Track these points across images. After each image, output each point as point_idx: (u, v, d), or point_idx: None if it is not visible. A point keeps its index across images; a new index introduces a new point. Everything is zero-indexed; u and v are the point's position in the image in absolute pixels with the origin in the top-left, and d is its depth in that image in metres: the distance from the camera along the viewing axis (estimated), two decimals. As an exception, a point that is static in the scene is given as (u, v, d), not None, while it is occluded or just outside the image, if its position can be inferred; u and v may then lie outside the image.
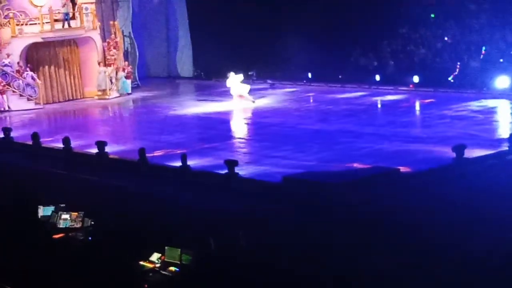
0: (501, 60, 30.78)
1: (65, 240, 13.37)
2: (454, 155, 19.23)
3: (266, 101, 31.83)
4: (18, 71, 33.59)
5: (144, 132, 27.69)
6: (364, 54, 35.41)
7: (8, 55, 33.63)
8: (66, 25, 34.54)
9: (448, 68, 31.99)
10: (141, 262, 12.01)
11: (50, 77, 34.94)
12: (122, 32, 37.71)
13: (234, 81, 31.38)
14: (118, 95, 35.52)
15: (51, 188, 19.00)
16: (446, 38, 33.49)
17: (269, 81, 35.87)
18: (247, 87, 31.34)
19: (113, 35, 36.65)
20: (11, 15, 34.00)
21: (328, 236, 14.38)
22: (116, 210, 16.29)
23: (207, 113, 30.34)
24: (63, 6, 34.58)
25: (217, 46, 36.88)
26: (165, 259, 12.11)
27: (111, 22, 37.32)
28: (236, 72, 31.59)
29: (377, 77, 33.45)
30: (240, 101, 31.01)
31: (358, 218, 15.42)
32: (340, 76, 34.77)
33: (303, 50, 34.19)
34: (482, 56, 31.39)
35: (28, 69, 33.81)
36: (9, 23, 33.92)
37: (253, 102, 30.99)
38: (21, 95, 33.42)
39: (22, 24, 34.12)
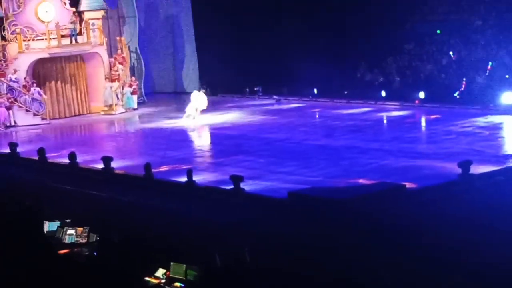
0: (507, 76, 30.78)
1: (70, 255, 13.36)
2: (460, 171, 19.22)
3: (272, 117, 31.88)
4: (24, 86, 33.70)
5: (150, 148, 27.73)
6: (370, 70, 35.46)
7: (15, 71, 33.75)
8: (73, 41, 34.69)
9: (454, 84, 32.01)
10: (146, 278, 11.99)
11: (56, 92, 35.04)
12: (129, 47, 37.85)
13: (198, 98, 31.75)
14: (124, 110, 35.59)
15: (56, 203, 19.00)
16: (451, 54, 33.51)
17: (275, 97, 35.93)
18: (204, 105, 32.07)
19: (119, 51, 36.77)
20: (18, 30, 34.18)
21: (334, 252, 14.34)
22: (121, 225, 16.28)
23: (212, 129, 30.39)
24: (71, 22, 34.74)
25: (223, 62, 36.96)
26: (170, 275, 12.11)
27: (118, 38, 37.46)
28: (200, 89, 32.76)
29: (383, 93, 33.47)
30: (196, 117, 31.58)
31: (363, 234, 15.38)
32: (346, 92, 34.80)
33: (309, 66, 34.24)
34: (488, 71, 31.40)
35: (34, 84, 33.92)
36: (16, 39, 34.08)
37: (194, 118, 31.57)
38: (27, 110, 33.51)
39: (29, 40, 34.27)
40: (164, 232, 16.15)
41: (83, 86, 35.88)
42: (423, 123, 29.38)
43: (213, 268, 11.83)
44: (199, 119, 31.55)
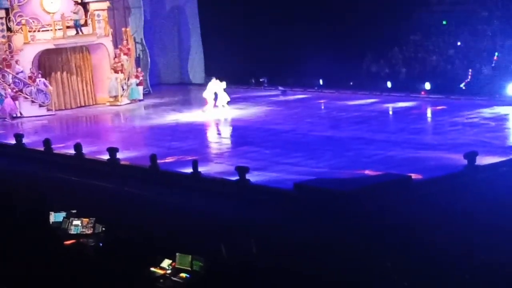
0: (513, 67, 30.75)
1: (76, 246, 13.39)
2: (465, 162, 19.18)
3: (277, 108, 31.86)
4: (30, 78, 33.71)
5: (156, 139, 27.72)
6: (376, 61, 35.41)
7: (21, 62, 33.74)
8: (78, 32, 34.67)
9: (460, 75, 31.95)
10: (152, 269, 12.01)
11: (62, 83, 35.06)
12: (134, 39, 37.82)
13: (216, 87, 31.47)
14: (129, 101, 35.59)
15: (62, 194, 19.04)
16: (459, 44, 33.44)
17: (280, 88, 35.89)
18: (226, 97, 31.31)
19: (125, 42, 36.75)
20: (23, 21, 34.15)
21: (340, 243, 14.34)
22: (127, 216, 16.32)
23: (218, 120, 30.38)
24: (74, 12, 34.70)
25: (228, 53, 36.95)
26: (176, 266, 12.13)
27: (123, 29, 37.42)
28: (221, 80, 31.81)
29: (389, 84, 33.43)
30: (210, 107, 31.22)
31: (369, 225, 15.38)
32: (351, 83, 34.77)
33: (315, 57, 34.22)
34: (494, 61, 31.32)
35: (39, 75, 33.93)
36: (22, 30, 34.08)
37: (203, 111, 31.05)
38: (33, 101, 33.53)
39: (34, 31, 34.25)
40: (170, 223, 16.18)
41: (89, 77, 35.87)
42: (429, 114, 29.34)
43: (219, 258, 11.85)
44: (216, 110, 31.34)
